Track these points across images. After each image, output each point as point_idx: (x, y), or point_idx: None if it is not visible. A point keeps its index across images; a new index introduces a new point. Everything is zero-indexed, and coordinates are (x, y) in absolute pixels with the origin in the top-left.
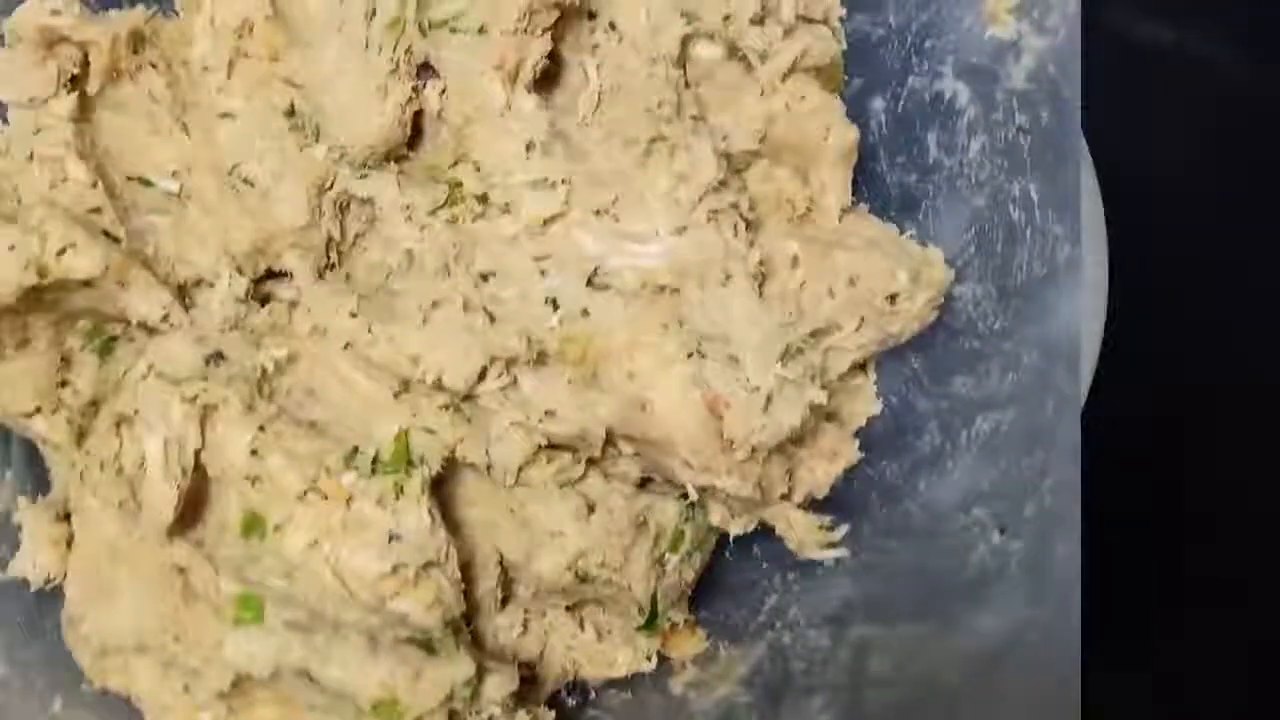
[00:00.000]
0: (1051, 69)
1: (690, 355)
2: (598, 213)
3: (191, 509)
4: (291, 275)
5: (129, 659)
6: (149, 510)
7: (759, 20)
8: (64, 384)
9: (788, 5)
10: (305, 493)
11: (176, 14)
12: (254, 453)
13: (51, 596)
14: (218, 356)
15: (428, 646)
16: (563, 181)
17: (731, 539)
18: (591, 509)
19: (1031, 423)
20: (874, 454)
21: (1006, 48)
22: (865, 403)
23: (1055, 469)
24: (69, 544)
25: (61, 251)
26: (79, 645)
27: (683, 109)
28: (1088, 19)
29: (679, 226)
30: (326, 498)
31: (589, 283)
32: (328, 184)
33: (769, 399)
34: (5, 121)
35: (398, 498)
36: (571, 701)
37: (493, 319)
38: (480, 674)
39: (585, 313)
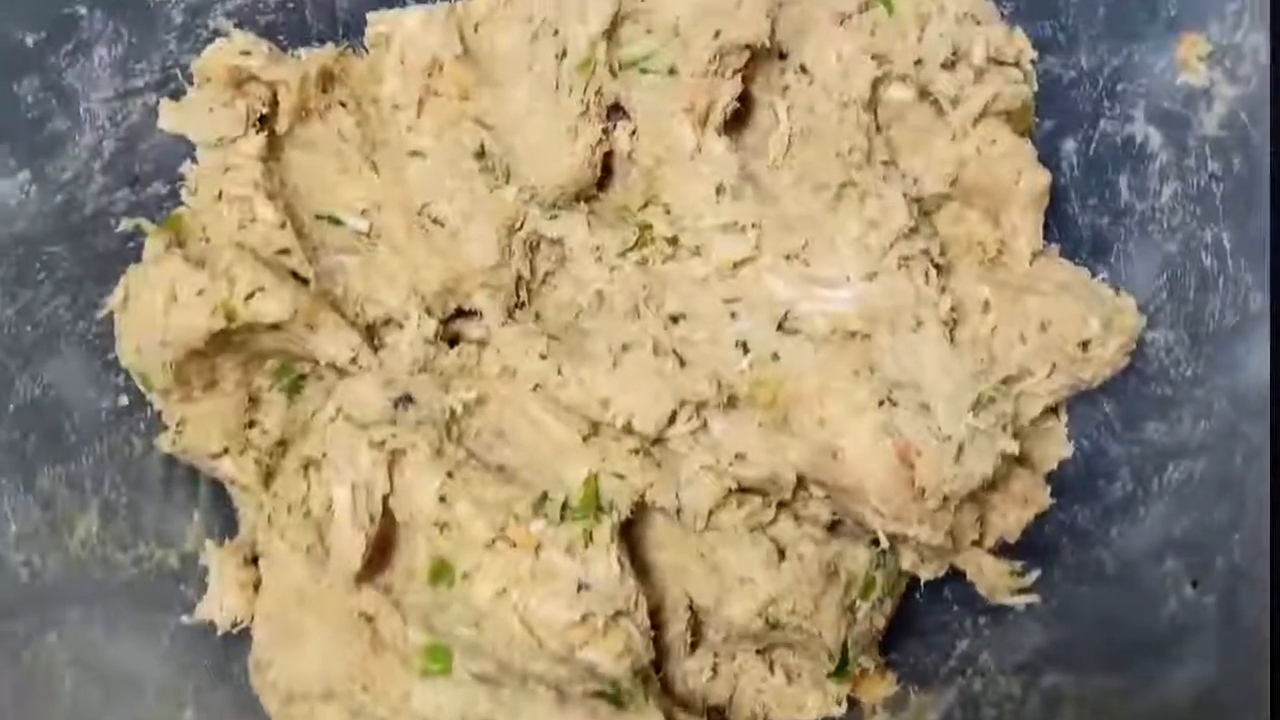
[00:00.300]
0: (1243, 117)
1: (881, 403)
2: (788, 257)
3: (379, 554)
4: (480, 314)
5: (315, 706)
6: (337, 557)
7: (950, 65)
8: (252, 424)
9: (979, 49)
10: (494, 540)
11: (366, 51)
12: (442, 499)
13: (239, 640)
14: (406, 400)
15: (616, 700)
16: (753, 225)
17: (923, 582)
18: (782, 555)
19: (1222, 473)
20: (1065, 498)
21: (1199, 94)
22: (1056, 445)
23: (1244, 522)
24: (256, 587)
25: (250, 295)
26: (266, 690)
27: (873, 154)
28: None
29: (870, 272)
30: (515, 545)
31: (779, 327)
32: (518, 224)
33: (961, 448)
34: (194, 160)
35: (587, 546)
36: None
37: (683, 362)
38: None
39: (775, 356)
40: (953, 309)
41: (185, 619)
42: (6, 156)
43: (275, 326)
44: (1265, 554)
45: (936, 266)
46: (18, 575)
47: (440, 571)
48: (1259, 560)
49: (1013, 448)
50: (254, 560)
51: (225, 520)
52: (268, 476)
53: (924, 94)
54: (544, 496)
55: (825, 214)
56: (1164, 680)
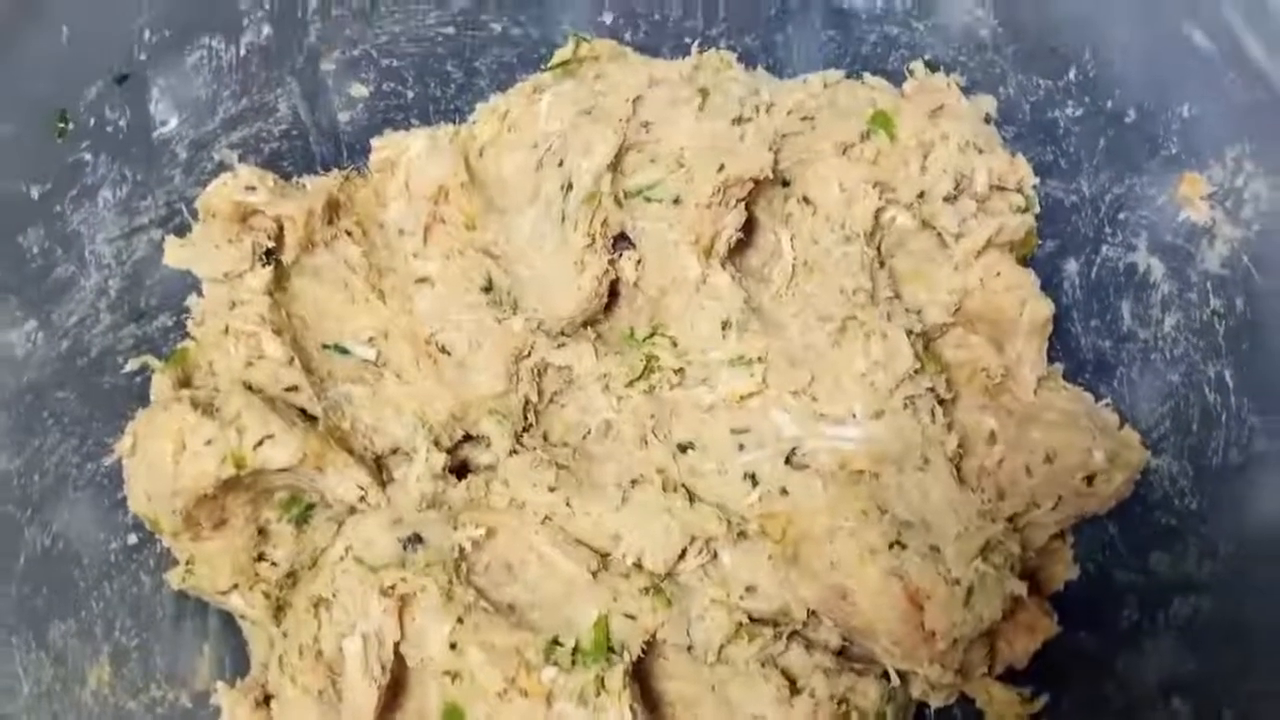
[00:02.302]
0: (1246, 259)
1: (891, 545)
2: (794, 393)
3: (390, 697)
4: (487, 441)
5: None
6: (349, 708)
7: (953, 197)
8: (261, 557)
9: (981, 177)
10: (505, 690)
11: (370, 173)
12: (453, 646)
13: None
14: (415, 539)
15: None
16: (759, 359)
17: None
18: (794, 689)
19: (1230, 615)
20: (1072, 623)
21: (1200, 231)
22: (1062, 567)
23: (1256, 673)
24: None
25: (259, 443)
26: None
27: (877, 292)
28: None
29: (876, 411)
30: (526, 695)
31: (787, 461)
32: (525, 352)
33: (970, 591)
34: (199, 293)
35: (599, 694)
36: None
37: (692, 498)
38: None
39: (784, 491)
40: (959, 445)
41: None
42: (13, 309)
43: (283, 469)
44: (1276, 710)
45: (941, 402)
46: None
47: (453, 719)
48: (1267, 716)
49: (1021, 589)
50: (266, 700)
51: (234, 651)
52: (277, 609)
53: (926, 224)
54: (554, 641)
55: (830, 348)
56: None
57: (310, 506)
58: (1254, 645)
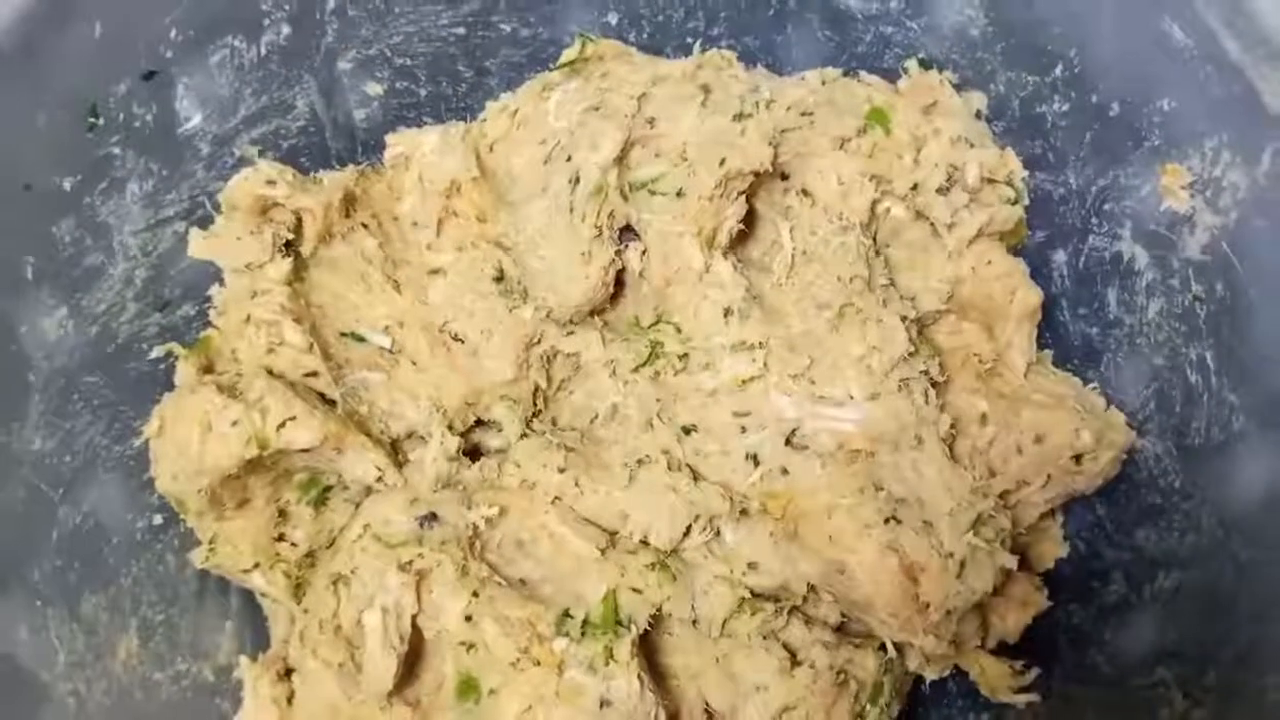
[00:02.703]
0: (1224, 246)
1: (887, 520)
2: (794, 376)
3: (407, 669)
4: (499, 425)
5: None
6: (369, 678)
7: (945, 189)
8: (281, 538)
9: (973, 170)
10: (518, 659)
11: (385, 169)
12: (468, 619)
13: None
14: (431, 518)
15: None
16: (760, 345)
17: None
18: (795, 661)
19: (1211, 587)
20: (1062, 597)
21: (1182, 220)
22: (1052, 545)
23: (1236, 641)
24: (289, 700)
25: (282, 425)
26: None
27: (873, 279)
28: None
29: (872, 393)
30: (539, 664)
31: (788, 442)
32: (535, 339)
33: (963, 565)
34: (221, 283)
35: (608, 663)
36: None
37: (696, 477)
38: None
39: (785, 471)
40: (952, 426)
41: None
42: (46, 296)
43: (305, 450)
44: (1259, 676)
45: (935, 384)
46: (66, 706)
47: (467, 689)
48: (1250, 677)
49: (1011, 563)
50: (287, 674)
51: (256, 628)
52: (297, 588)
53: (920, 215)
54: (565, 613)
55: (828, 334)
56: None
57: (328, 489)
58: (1235, 614)
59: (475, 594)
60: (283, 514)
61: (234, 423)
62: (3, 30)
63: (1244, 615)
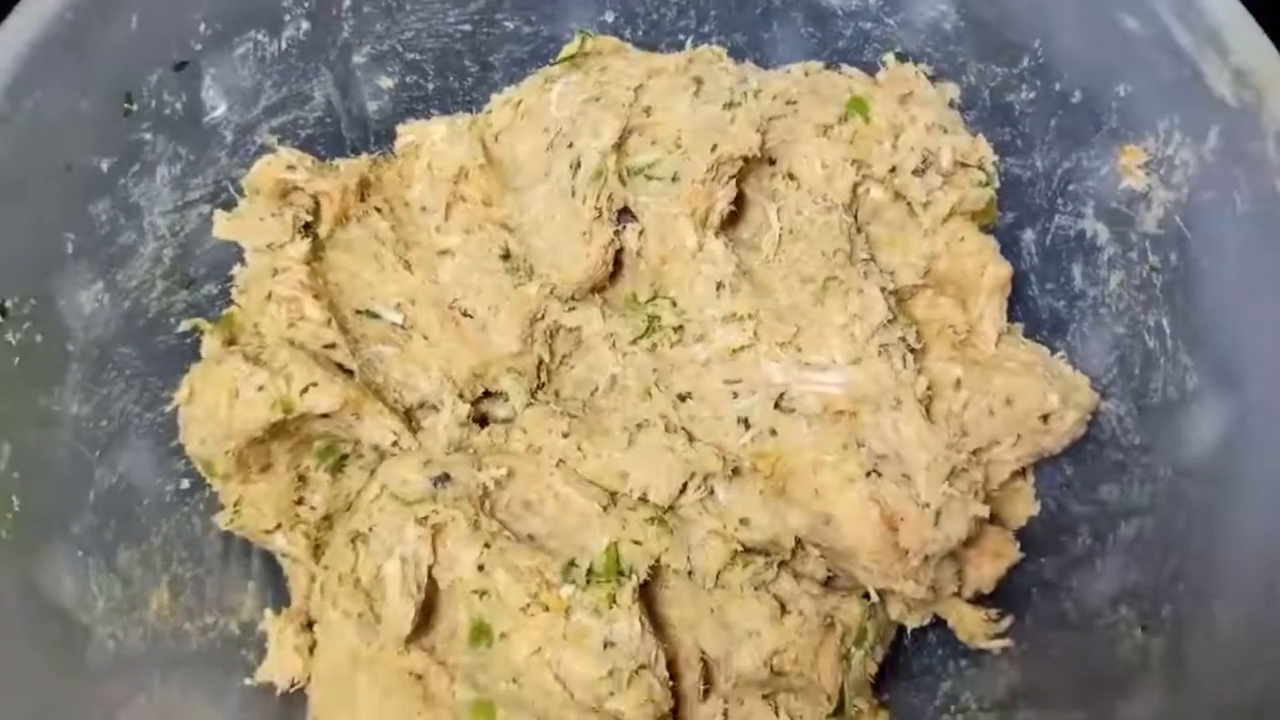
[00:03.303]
0: (1177, 219)
1: (868, 474)
2: (782, 344)
3: (423, 618)
4: (506, 396)
5: None
6: (388, 623)
7: (921, 171)
8: (300, 501)
9: (946, 154)
10: (528, 605)
11: (396, 157)
12: (481, 568)
13: (297, 698)
14: (444, 478)
15: None
16: (750, 316)
17: (909, 629)
18: (784, 609)
19: (1167, 531)
20: (1033, 552)
21: (1139, 197)
22: (1025, 505)
23: (1187, 576)
24: (310, 651)
25: (305, 390)
26: None
27: (854, 253)
28: None
29: (855, 358)
30: (547, 609)
31: (776, 405)
32: (539, 315)
33: (938, 514)
34: (243, 263)
35: (611, 607)
36: None
37: (691, 438)
38: None
39: (774, 432)
40: (928, 388)
41: (248, 681)
42: (84, 270)
43: (325, 415)
44: (1206, 604)
45: (912, 350)
46: (105, 646)
47: (480, 633)
48: (1202, 608)
49: (983, 511)
50: (308, 626)
51: (277, 588)
52: (316, 549)
53: (898, 196)
54: (571, 563)
55: (813, 305)
56: (1119, 713)
57: (344, 456)
58: (1187, 553)
59: (487, 545)
60: (302, 480)
61: (260, 388)
62: (52, 22)
63: (1195, 553)
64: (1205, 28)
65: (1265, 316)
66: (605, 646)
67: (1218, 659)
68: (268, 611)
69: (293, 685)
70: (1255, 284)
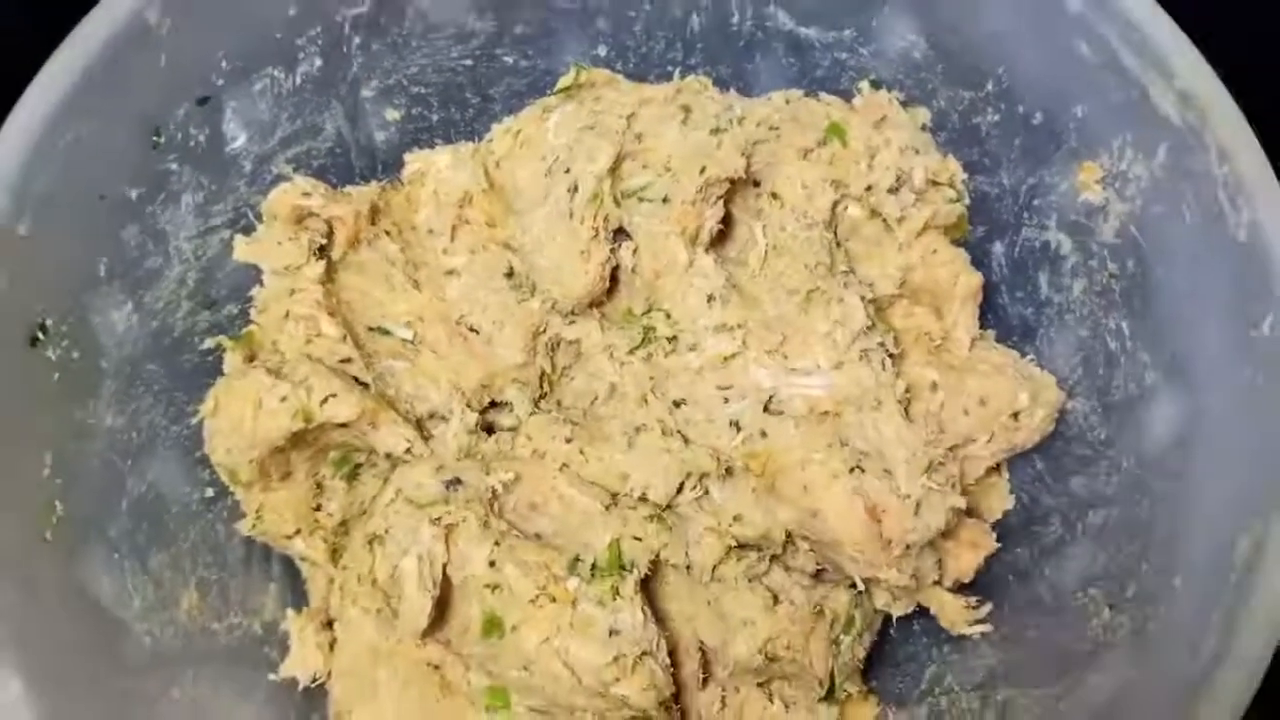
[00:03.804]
0: (1132, 229)
1: (852, 470)
2: (769, 352)
3: (438, 613)
4: (511, 406)
5: None
6: (405, 617)
7: (895, 189)
8: (318, 508)
9: (919, 174)
10: (537, 597)
11: (403, 184)
12: (492, 564)
13: (318, 692)
14: (455, 482)
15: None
16: (739, 326)
17: (895, 619)
18: (776, 600)
19: (1131, 518)
20: (1009, 542)
21: (1097, 209)
22: (1000, 498)
23: (1150, 557)
24: (331, 647)
25: (324, 401)
26: None
27: (835, 266)
28: None
29: (837, 363)
30: (555, 600)
31: (765, 408)
32: (541, 329)
33: (918, 505)
34: (261, 284)
35: (615, 598)
36: None
37: (687, 441)
38: None
39: (764, 433)
40: (907, 390)
41: (272, 677)
42: (116, 292)
43: (343, 425)
44: (1167, 582)
45: (891, 355)
46: (142, 642)
47: (492, 625)
48: (1165, 586)
49: (960, 503)
50: (327, 625)
51: (295, 590)
52: (333, 552)
53: (874, 213)
54: (576, 558)
55: (797, 315)
56: (1089, 685)
57: (358, 465)
58: (1149, 539)
59: (497, 543)
60: (319, 487)
61: (283, 399)
62: (91, 62)
63: (1157, 536)
64: (1151, 53)
65: (1212, 316)
66: (610, 635)
67: (1176, 629)
68: (289, 611)
69: (314, 680)
70: (1202, 287)
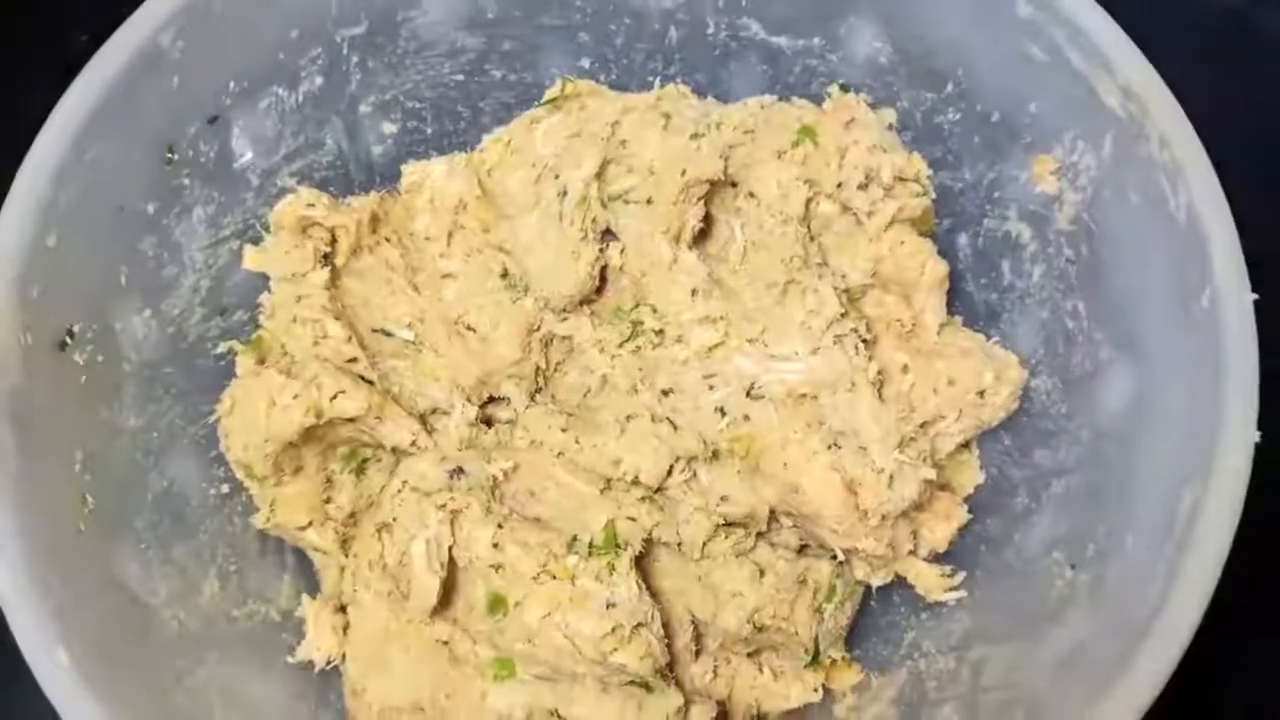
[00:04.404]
0: (1085, 215)
1: (830, 447)
2: (750, 341)
3: (445, 593)
4: (509, 400)
5: (406, 718)
6: (416, 597)
7: (864, 186)
8: (328, 501)
9: (887, 171)
10: (538, 574)
11: (400, 194)
12: (495, 545)
13: (333, 674)
14: (458, 471)
15: (645, 686)
16: (721, 318)
17: (875, 589)
18: (762, 573)
19: (1089, 485)
20: (980, 514)
21: (1052, 199)
22: (971, 474)
23: (1107, 519)
24: (345, 631)
25: (334, 397)
26: (361, 711)
27: (809, 259)
28: None
29: (814, 349)
30: (555, 577)
31: (748, 394)
32: (535, 326)
33: (891, 478)
34: (269, 291)
35: (611, 573)
36: None
37: (675, 427)
38: (686, 705)
39: (747, 418)
40: (879, 373)
41: (289, 659)
42: (136, 299)
43: (351, 420)
44: (1121, 539)
45: (864, 341)
46: (169, 625)
47: (497, 603)
48: (1118, 545)
49: (931, 475)
50: (340, 609)
51: (308, 579)
52: (344, 542)
53: (845, 209)
54: (574, 539)
55: (775, 305)
56: (1053, 637)
57: (365, 461)
58: (1105, 500)
59: (499, 526)
60: (329, 482)
61: (295, 396)
62: (110, 85)
63: (1111, 499)
64: (1096, 53)
65: (1157, 293)
66: (607, 608)
67: (1127, 582)
68: (305, 597)
69: (329, 663)
70: (1148, 266)
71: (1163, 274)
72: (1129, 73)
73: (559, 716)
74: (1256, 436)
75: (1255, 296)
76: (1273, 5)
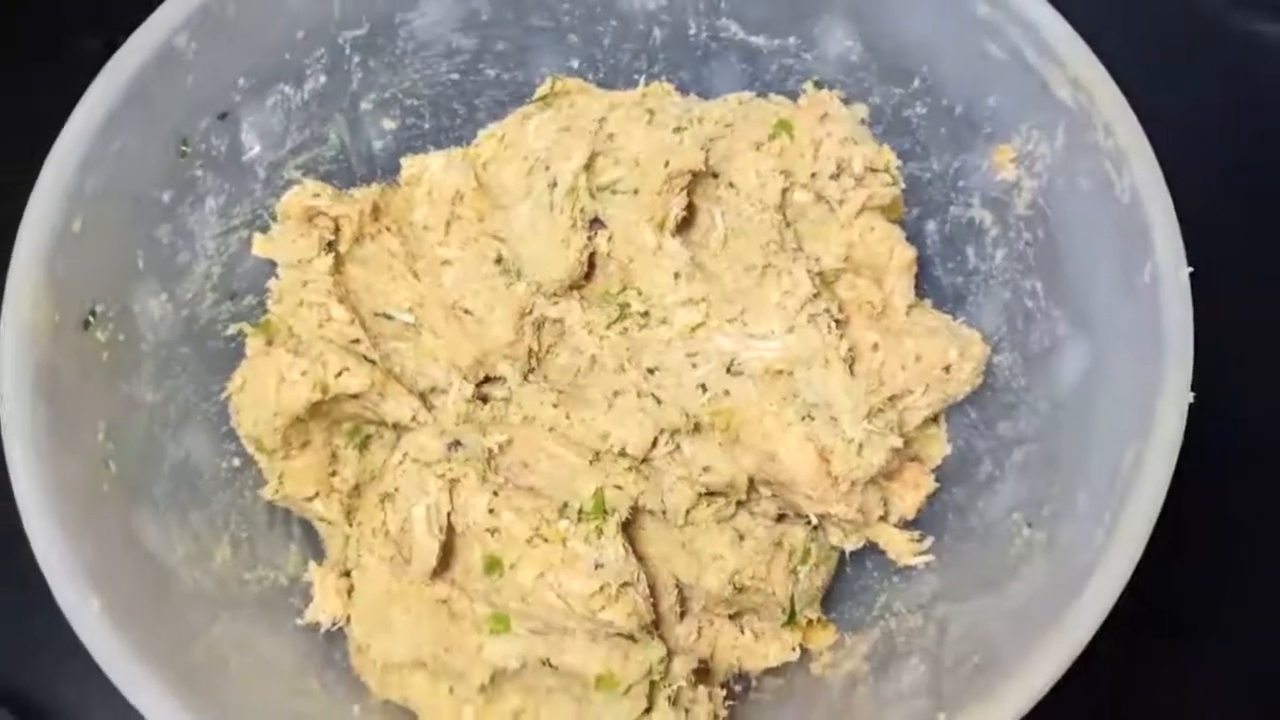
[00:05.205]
0: (1041, 201)
1: (804, 419)
2: (730, 320)
3: (444, 557)
4: (503, 379)
5: (406, 674)
6: (416, 560)
7: (836, 176)
8: (333, 474)
9: (858, 162)
10: (531, 538)
11: (400, 186)
12: (491, 511)
13: (338, 634)
14: (456, 444)
15: (631, 638)
16: (703, 300)
17: (849, 555)
18: (742, 538)
19: (1046, 452)
20: (947, 483)
21: (1011, 186)
22: (939, 446)
23: (1061, 481)
24: (349, 594)
25: (339, 374)
26: (367, 668)
27: (785, 244)
28: None
29: (789, 327)
30: (547, 540)
31: (728, 370)
32: (528, 310)
33: (861, 446)
34: (276, 277)
35: (599, 536)
36: (737, 687)
37: (659, 402)
38: (669, 656)
39: (727, 392)
40: (850, 350)
41: (298, 621)
42: (153, 283)
43: (355, 396)
44: (1073, 498)
45: (836, 320)
46: (185, 584)
47: (493, 565)
48: (1068, 504)
49: (898, 444)
50: (345, 575)
51: (314, 548)
52: (348, 512)
53: (819, 197)
54: (565, 505)
55: (753, 287)
56: (1011, 592)
57: (368, 437)
58: (1060, 465)
59: (495, 494)
60: (334, 456)
61: (303, 373)
62: (130, 83)
63: (1066, 464)
64: (1047, 49)
65: (1105, 270)
66: (596, 568)
67: (1078, 533)
68: (311, 563)
69: (334, 624)
70: (1097, 245)
71: (1110, 253)
72: (1078, 66)
73: (551, 664)
74: (1191, 397)
75: (1190, 270)
76: (1251, 7)
